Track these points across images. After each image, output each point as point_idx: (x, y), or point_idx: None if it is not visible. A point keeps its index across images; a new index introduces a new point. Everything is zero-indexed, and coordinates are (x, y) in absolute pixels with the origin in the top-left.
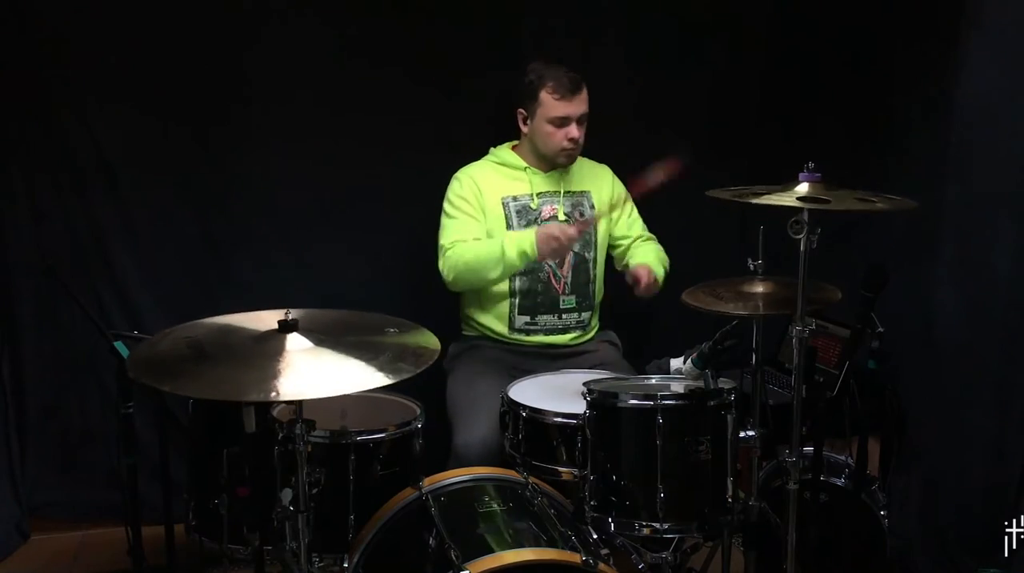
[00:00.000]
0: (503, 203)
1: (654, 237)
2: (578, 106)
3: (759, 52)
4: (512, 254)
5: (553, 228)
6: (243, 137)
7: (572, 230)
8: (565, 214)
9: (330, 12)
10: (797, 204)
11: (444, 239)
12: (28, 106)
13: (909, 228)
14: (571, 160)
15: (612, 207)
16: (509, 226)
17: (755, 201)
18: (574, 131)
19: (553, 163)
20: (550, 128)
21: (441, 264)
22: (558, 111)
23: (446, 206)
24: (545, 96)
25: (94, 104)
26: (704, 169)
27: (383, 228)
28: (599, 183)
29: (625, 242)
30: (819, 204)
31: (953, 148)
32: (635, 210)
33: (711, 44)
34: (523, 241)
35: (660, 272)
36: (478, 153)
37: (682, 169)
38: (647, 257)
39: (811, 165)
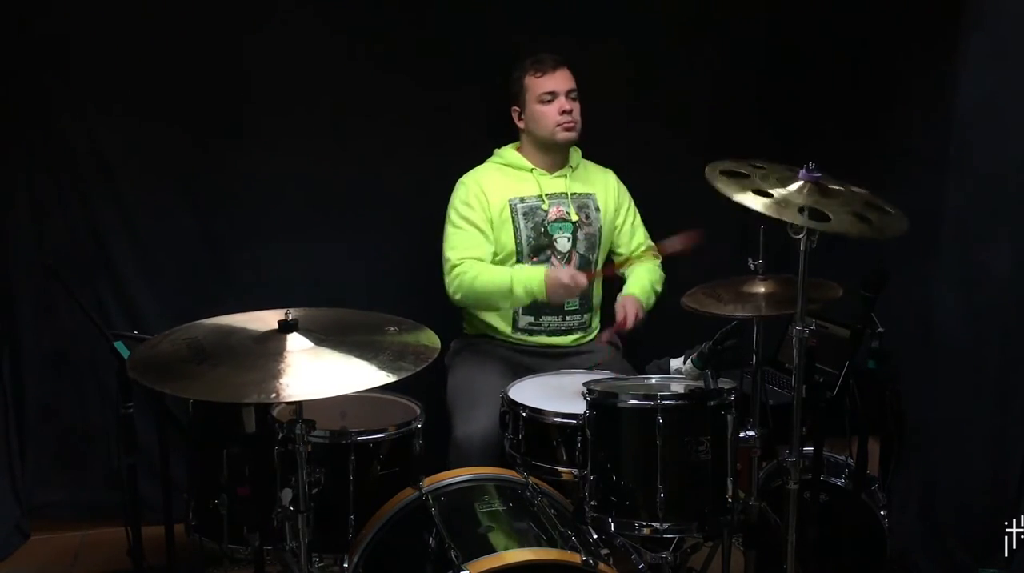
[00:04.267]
0: (510, 205)
1: (654, 246)
2: (562, 80)
3: (758, 52)
4: (520, 292)
5: (564, 275)
6: (243, 137)
7: (583, 279)
8: (575, 215)
9: (331, 12)
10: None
11: (451, 253)
12: (28, 106)
13: (909, 228)
14: (571, 136)
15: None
16: (516, 228)
17: (755, 209)
18: (565, 104)
19: (555, 149)
20: (541, 108)
21: (448, 280)
22: (544, 87)
23: (452, 214)
24: (529, 79)
25: (94, 104)
26: (703, 169)
27: (383, 228)
28: (604, 186)
29: (625, 251)
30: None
31: (953, 148)
32: (638, 217)
33: (710, 44)
34: (532, 281)
35: (650, 301)
36: (479, 152)
37: (701, 240)
38: (639, 283)
39: (811, 165)
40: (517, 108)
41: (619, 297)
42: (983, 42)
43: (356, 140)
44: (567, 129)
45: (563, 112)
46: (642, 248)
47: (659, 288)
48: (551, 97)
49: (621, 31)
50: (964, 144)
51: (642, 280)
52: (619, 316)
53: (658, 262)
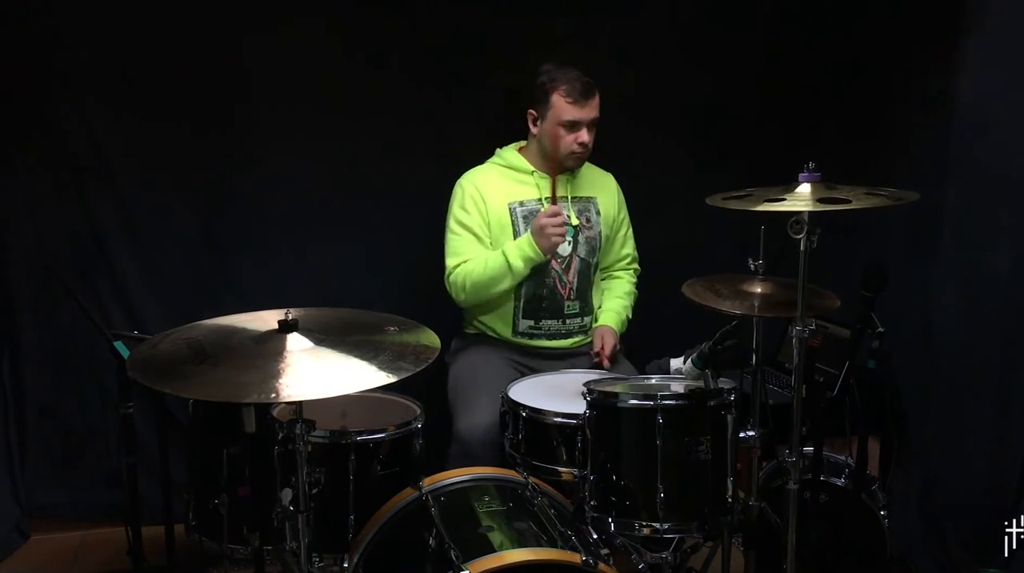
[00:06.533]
0: (510, 209)
1: (634, 268)
2: (590, 111)
3: (759, 52)
4: (517, 262)
5: (539, 219)
6: (243, 137)
7: (552, 207)
8: (575, 219)
9: (331, 11)
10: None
11: (449, 260)
12: (28, 106)
13: (909, 228)
14: (579, 163)
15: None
16: (516, 232)
17: (756, 208)
18: (584, 136)
19: (560, 166)
20: (561, 131)
21: (448, 286)
22: (570, 115)
23: (450, 220)
24: (557, 99)
25: (94, 104)
26: (704, 170)
27: (384, 227)
28: (605, 190)
29: (613, 260)
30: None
31: (953, 148)
32: (631, 229)
33: (711, 44)
34: (523, 247)
35: (624, 327)
36: (479, 152)
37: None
38: (615, 315)
39: (811, 165)
40: (534, 113)
41: (596, 327)
42: (983, 42)
43: (356, 140)
44: (578, 158)
45: (580, 143)
46: (627, 260)
47: (631, 313)
48: (573, 127)
49: (623, 31)
50: (964, 144)
51: (616, 313)
52: (596, 347)
53: (633, 280)
